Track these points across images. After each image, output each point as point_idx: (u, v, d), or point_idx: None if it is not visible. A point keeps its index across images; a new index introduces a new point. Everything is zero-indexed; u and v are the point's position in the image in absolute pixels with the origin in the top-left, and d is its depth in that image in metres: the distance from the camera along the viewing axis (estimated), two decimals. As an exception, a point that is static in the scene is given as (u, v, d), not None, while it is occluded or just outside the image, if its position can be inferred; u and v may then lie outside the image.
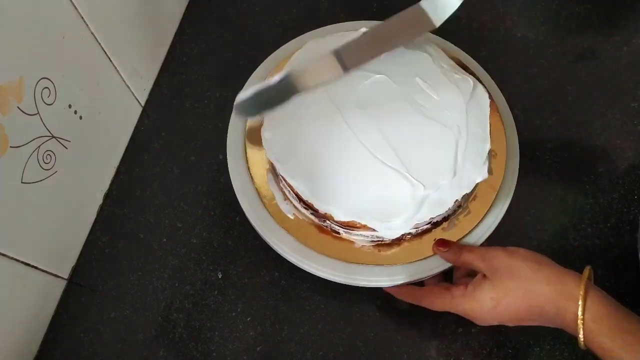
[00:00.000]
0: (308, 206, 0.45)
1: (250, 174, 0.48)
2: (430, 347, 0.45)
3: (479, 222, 0.46)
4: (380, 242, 0.45)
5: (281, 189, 0.47)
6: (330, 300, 0.47)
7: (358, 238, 0.45)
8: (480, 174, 0.44)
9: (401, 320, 0.46)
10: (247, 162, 0.49)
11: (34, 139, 0.40)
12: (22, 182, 0.40)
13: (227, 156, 0.49)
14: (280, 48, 0.54)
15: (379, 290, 0.46)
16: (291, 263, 0.45)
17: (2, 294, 0.40)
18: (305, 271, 0.45)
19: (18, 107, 0.38)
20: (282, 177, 0.45)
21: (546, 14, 0.63)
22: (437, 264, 0.44)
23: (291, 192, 0.46)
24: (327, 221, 0.45)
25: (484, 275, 0.39)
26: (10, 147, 0.38)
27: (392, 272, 0.44)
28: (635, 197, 0.52)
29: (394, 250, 0.45)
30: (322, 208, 0.43)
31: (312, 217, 0.46)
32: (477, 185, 0.45)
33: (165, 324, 0.47)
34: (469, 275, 0.43)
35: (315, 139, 0.45)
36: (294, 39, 0.55)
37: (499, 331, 0.46)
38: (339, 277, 0.44)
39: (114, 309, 0.47)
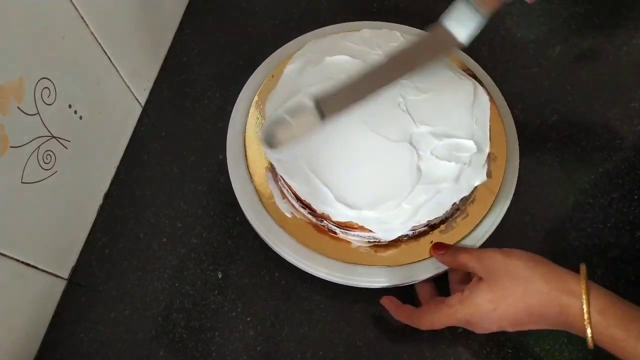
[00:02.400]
0: (305, 206, 0.45)
1: (250, 174, 0.48)
2: (430, 348, 0.45)
3: (476, 226, 0.46)
4: (377, 243, 0.45)
5: (279, 188, 0.47)
6: (330, 300, 0.47)
7: (355, 238, 0.45)
8: (478, 178, 0.44)
9: (401, 320, 0.46)
10: (246, 161, 0.49)
11: (34, 139, 0.40)
12: (22, 182, 0.40)
13: (227, 156, 0.49)
14: (280, 48, 0.54)
15: (379, 291, 0.46)
16: (291, 263, 0.45)
17: (2, 294, 0.40)
18: (305, 271, 0.45)
19: (18, 107, 0.38)
20: (281, 177, 0.45)
21: (546, 14, 0.64)
22: (434, 266, 0.44)
23: (289, 191, 0.46)
24: (325, 221, 0.45)
25: (480, 278, 0.38)
26: (10, 147, 0.38)
27: (390, 272, 0.44)
28: (635, 197, 0.52)
29: (392, 251, 0.45)
30: (319, 208, 0.43)
31: (310, 217, 0.46)
32: (475, 188, 0.45)
33: (165, 324, 0.47)
34: (464, 282, 0.42)
35: (315, 140, 0.45)
36: (294, 39, 0.55)
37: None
38: (338, 277, 0.44)
39: (114, 309, 0.47)
